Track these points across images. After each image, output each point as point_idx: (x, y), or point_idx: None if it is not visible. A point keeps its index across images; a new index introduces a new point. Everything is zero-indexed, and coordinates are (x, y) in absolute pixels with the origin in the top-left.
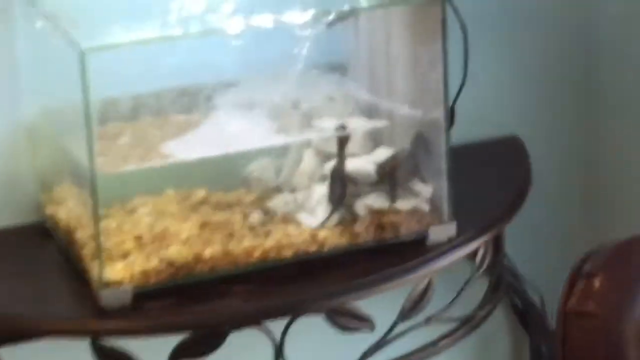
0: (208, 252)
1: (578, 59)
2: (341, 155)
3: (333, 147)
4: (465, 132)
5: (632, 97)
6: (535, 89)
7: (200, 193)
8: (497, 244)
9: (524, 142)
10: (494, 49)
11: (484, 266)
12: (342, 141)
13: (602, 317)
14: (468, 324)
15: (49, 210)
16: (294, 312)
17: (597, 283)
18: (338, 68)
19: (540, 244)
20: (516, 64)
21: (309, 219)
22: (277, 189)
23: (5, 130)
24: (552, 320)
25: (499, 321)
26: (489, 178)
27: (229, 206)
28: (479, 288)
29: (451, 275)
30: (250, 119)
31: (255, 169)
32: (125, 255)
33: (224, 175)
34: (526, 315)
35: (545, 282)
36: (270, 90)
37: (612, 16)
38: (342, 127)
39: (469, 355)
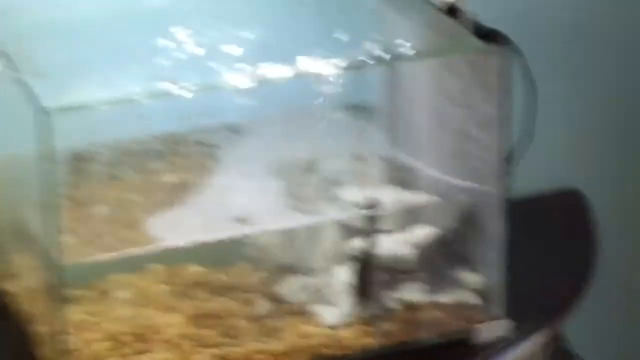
0: (199, 358)
1: None
2: (370, 237)
3: (359, 221)
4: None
5: None
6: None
7: (194, 269)
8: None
9: (584, 196)
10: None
11: None
12: (373, 222)
13: None
14: None
15: (3, 284)
16: None
17: None
18: (364, 113)
19: (603, 323)
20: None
21: (329, 312)
22: (289, 270)
23: None
24: None
25: None
26: (546, 248)
27: (228, 289)
28: None
29: None
30: (255, 181)
31: (262, 243)
32: None
33: (222, 252)
34: None
35: None
36: (281, 141)
37: None
38: (373, 205)
39: None
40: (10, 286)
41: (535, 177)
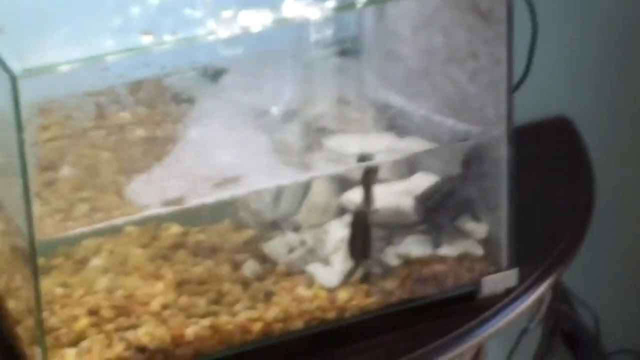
0: (191, 331)
1: None
2: (367, 193)
3: (353, 173)
4: None
5: None
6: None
7: (173, 230)
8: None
9: (576, 128)
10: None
11: (542, 312)
12: (368, 176)
13: None
14: None
15: None
16: None
17: None
18: (351, 53)
19: (595, 256)
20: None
21: (324, 272)
22: (278, 227)
23: None
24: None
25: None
26: (539, 184)
27: (212, 250)
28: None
29: None
30: (237, 132)
31: (247, 199)
32: (77, 339)
33: (204, 211)
34: (576, 339)
35: (599, 301)
36: (264, 84)
37: None
38: (366, 157)
39: None
40: None
41: (528, 106)
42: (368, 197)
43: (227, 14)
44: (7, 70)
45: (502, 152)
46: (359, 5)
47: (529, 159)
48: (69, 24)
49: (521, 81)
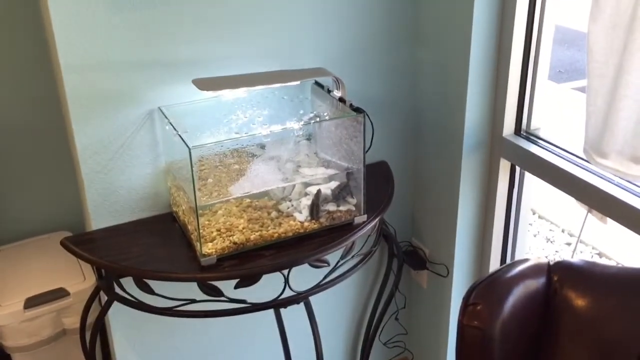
0: (252, 236)
1: None
2: (317, 189)
3: (312, 180)
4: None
5: None
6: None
7: (246, 201)
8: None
9: (389, 164)
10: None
11: (376, 228)
12: (318, 192)
13: (482, 328)
14: (369, 254)
15: (174, 208)
16: (293, 263)
17: (478, 307)
18: (312, 139)
19: (395, 203)
20: None
21: (300, 216)
22: (284, 199)
23: (154, 171)
24: (398, 239)
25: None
26: (376, 184)
27: (260, 208)
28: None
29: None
30: (269, 166)
31: (273, 191)
32: (212, 240)
33: (257, 193)
34: (387, 237)
35: (396, 222)
36: (280, 151)
37: None
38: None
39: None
40: (177, 209)
41: (369, 157)
42: (317, 190)
43: (265, 126)
44: (187, 145)
45: (361, 173)
46: (313, 122)
47: (374, 176)
48: (211, 126)
49: (367, 149)
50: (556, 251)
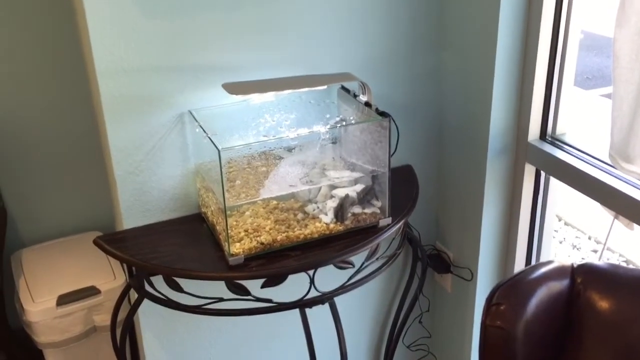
0: (279, 237)
1: None
2: (346, 195)
3: (338, 183)
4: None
5: None
6: None
7: (273, 203)
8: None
9: (413, 168)
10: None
11: (401, 231)
12: (347, 196)
13: (505, 328)
14: (393, 257)
15: (202, 209)
16: (319, 264)
17: (501, 308)
18: (337, 143)
19: (420, 207)
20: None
21: (326, 218)
22: (310, 201)
23: (184, 172)
24: (422, 243)
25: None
26: (400, 187)
27: (287, 210)
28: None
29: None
30: (296, 168)
31: (299, 193)
32: (240, 240)
33: (284, 195)
34: (411, 240)
35: (420, 226)
36: (306, 154)
37: None
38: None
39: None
40: (206, 210)
41: (394, 160)
42: (345, 194)
43: (292, 130)
44: (216, 147)
45: (386, 177)
46: (339, 126)
47: (398, 180)
48: (240, 129)
49: (393, 153)
50: (582, 258)
